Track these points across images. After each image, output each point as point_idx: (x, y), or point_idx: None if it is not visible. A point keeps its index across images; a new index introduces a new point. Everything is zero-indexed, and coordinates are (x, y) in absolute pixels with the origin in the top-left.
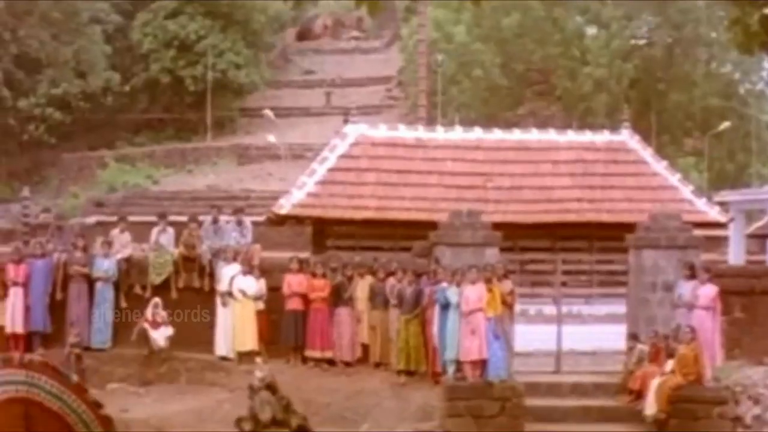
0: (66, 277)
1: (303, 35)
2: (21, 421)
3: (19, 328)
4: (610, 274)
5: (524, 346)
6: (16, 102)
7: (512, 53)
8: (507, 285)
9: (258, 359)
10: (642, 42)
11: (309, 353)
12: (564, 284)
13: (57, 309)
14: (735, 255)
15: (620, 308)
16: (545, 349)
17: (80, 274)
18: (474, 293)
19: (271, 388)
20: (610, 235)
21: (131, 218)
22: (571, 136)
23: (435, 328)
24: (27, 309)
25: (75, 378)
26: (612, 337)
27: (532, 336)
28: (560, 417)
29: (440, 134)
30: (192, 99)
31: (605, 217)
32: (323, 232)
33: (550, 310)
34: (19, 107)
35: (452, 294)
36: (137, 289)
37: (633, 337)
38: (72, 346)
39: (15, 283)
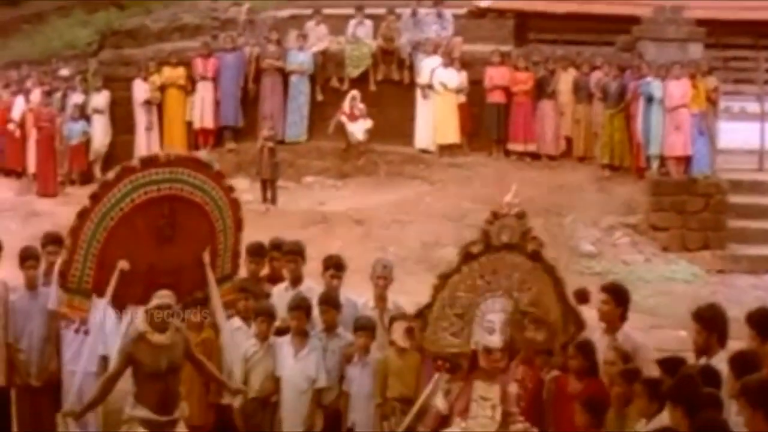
0: (258, 71)
1: None
2: (164, 219)
3: (209, 123)
4: None
5: (728, 143)
6: None
7: None
8: (711, 81)
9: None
10: None
11: (512, 146)
12: (767, 82)
13: (249, 103)
14: None
15: None
16: (749, 147)
17: (274, 68)
18: (678, 89)
19: (519, 214)
20: None
21: (327, 11)
22: None
23: (639, 123)
24: (217, 104)
25: (216, 166)
26: None
27: (735, 133)
28: (762, 214)
29: None
30: None
31: None
32: (525, 24)
33: (753, 107)
34: None
35: (656, 89)
36: (334, 83)
37: None
38: (265, 139)
39: (204, 78)
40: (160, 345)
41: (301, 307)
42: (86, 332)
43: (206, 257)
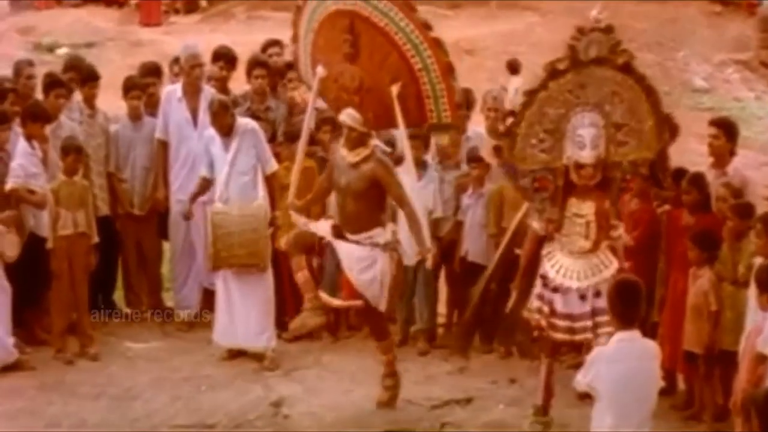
0: None
1: None
2: (347, 35)
3: None
4: None
5: None
6: None
7: None
8: None
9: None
10: None
11: None
12: None
13: None
14: None
15: None
16: None
17: None
18: None
19: (607, 29)
20: None
21: None
22: None
23: None
24: None
25: None
26: None
27: None
28: None
29: None
30: None
31: None
32: None
33: None
34: None
35: None
36: None
37: None
38: None
39: None
40: (345, 160)
41: (417, 136)
42: None
43: (394, 90)
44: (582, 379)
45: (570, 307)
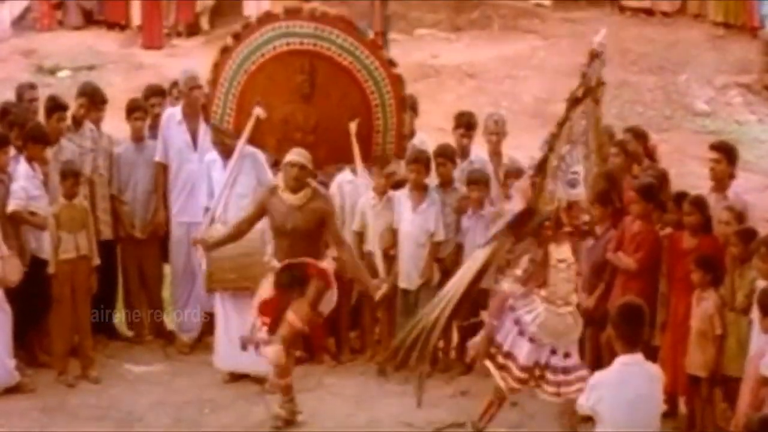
0: None
1: None
2: (304, 75)
3: None
4: None
5: None
6: None
7: None
8: None
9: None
10: None
11: (626, 2)
12: None
13: None
14: None
15: None
16: None
17: None
18: None
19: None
20: None
21: None
22: None
23: None
24: None
25: (371, 34)
26: None
27: None
28: None
29: None
30: None
31: None
32: None
33: None
34: None
35: None
36: None
37: None
38: None
39: None
40: (289, 204)
41: (419, 159)
42: None
43: (353, 127)
44: (585, 403)
45: (530, 360)
